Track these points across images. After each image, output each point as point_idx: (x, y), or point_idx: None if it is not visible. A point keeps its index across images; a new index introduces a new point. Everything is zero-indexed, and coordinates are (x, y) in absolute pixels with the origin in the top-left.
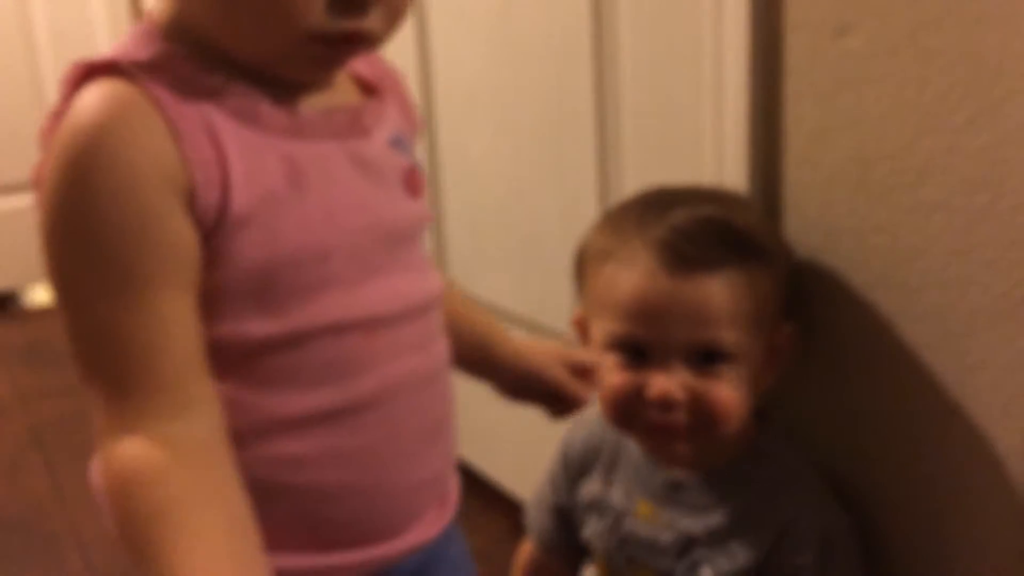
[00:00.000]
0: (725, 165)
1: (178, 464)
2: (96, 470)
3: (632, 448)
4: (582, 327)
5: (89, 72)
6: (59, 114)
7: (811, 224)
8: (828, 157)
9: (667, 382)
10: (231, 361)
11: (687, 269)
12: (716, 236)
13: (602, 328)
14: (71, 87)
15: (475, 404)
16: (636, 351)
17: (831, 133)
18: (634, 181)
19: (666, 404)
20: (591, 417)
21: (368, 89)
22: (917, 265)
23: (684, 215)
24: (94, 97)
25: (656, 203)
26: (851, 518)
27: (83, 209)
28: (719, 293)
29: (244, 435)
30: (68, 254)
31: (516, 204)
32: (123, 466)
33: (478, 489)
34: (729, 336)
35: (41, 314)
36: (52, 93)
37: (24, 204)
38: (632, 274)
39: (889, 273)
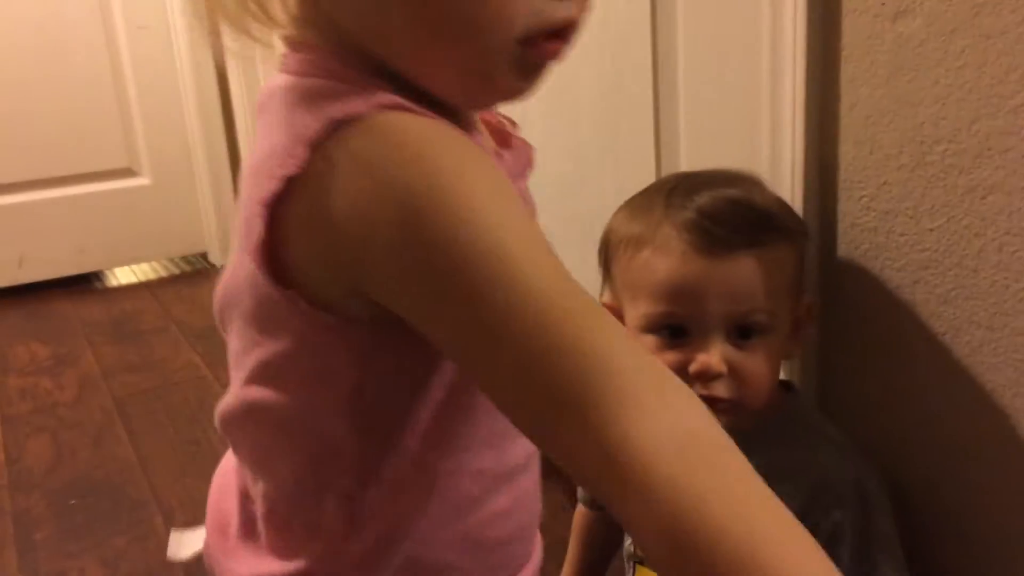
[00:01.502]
0: (782, 147)
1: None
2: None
3: None
4: (612, 313)
5: (338, 124)
6: (297, 177)
7: (867, 206)
8: (884, 139)
9: (709, 356)
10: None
11: (719, 249)
12: (742, 216)
13: (638, 311)
14: (309, 148)
15: None
16: (674, 330)
17: (887, 116)
18: (691, 164)
19: (709, 376)
20: None
21: (497, 135)
22: (973, 245)
23: (709, 198)
24: (399, 119)
25: (679, 188)
26: (881, 474)
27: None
28: (751, 270)
29: (476, 496)
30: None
31: (575, 187)
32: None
33: None
34: (763, 310)
35: (124, 293)
36: (131, 88)
37: (109, 189)
38: (667, 258)
39: (944, 253)
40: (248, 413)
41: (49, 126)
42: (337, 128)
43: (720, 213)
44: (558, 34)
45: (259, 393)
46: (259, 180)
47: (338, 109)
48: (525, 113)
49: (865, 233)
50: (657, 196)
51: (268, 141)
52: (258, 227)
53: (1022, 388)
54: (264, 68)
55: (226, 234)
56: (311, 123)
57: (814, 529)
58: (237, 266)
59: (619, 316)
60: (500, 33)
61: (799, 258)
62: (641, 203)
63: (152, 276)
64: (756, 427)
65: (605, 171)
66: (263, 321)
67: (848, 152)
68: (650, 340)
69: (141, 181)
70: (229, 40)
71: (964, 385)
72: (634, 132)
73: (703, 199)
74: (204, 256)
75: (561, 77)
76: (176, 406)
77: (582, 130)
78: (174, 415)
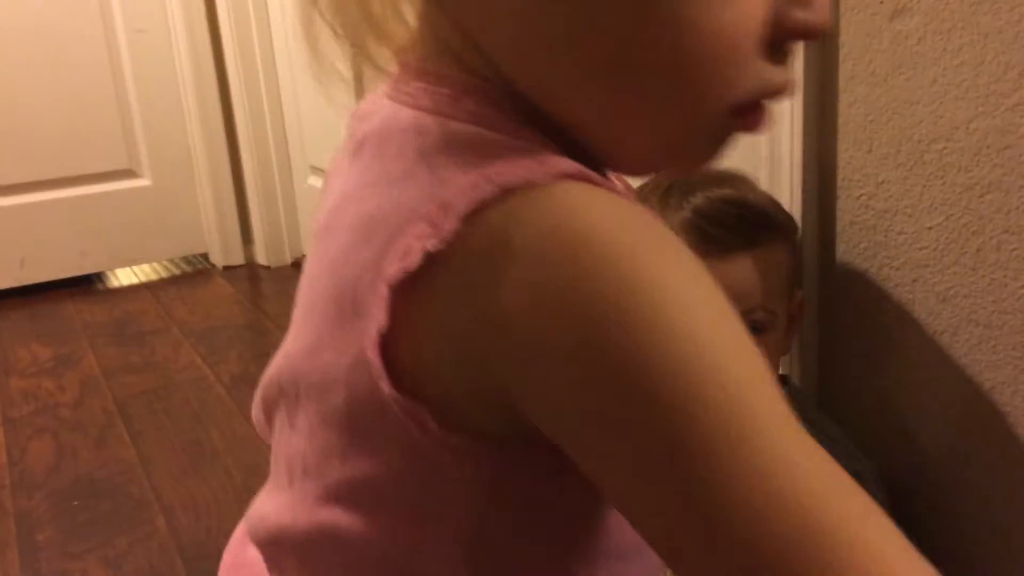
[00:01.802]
0: (780, 146)
1: None
2: None
3: None
4: None
5: (504, 193)
6: (440, 253)
7: (865, 204)
8: (883, 138)
9: None
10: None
11: (717, 250)
12: (738, 216)
13: None
14: (461, 220)
15: None
16: None
17: (886, 114)
18: None
19: None
20: None
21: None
22: (971, 243)
23: (704, 198)
24: (584, 195)
25: (674, 189)
26: (876, 466)
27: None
28: (748, 270)
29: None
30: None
31: None
32: None
33: None
34: (761, 308)
35: (125, 294)
36: (130, 84)
37: (110, 190)
38: None
39: (943, 252)
40: (320, 540)
41: (50, 128)
42: (502, 197)
43: (716, 213)
44: (764, 103)
45: (342, 519)
46: (377, 244)
47: (505, 173)
48: None
49: (864, 231)
50: (651, 197)
51: (390, 193)
52: (379, 312)
53: (1021, 386)
54: (262, 67)
55: (226, 234)
56: (464, 186)
57: None
58: (323, 347)
59: None
60: (718, 100)
61: (793, 255)
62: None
63: (153, 277)
64: None
65: None
66: (360, 430)
67: (847, 151)
68: None
69: (142, 182)
70: (340, 65)
71: (963, 382)
72: None
73: (698, 199)
74: (205, 257)
75: None
76: (177, 407)
77: None
78: (175, 416)
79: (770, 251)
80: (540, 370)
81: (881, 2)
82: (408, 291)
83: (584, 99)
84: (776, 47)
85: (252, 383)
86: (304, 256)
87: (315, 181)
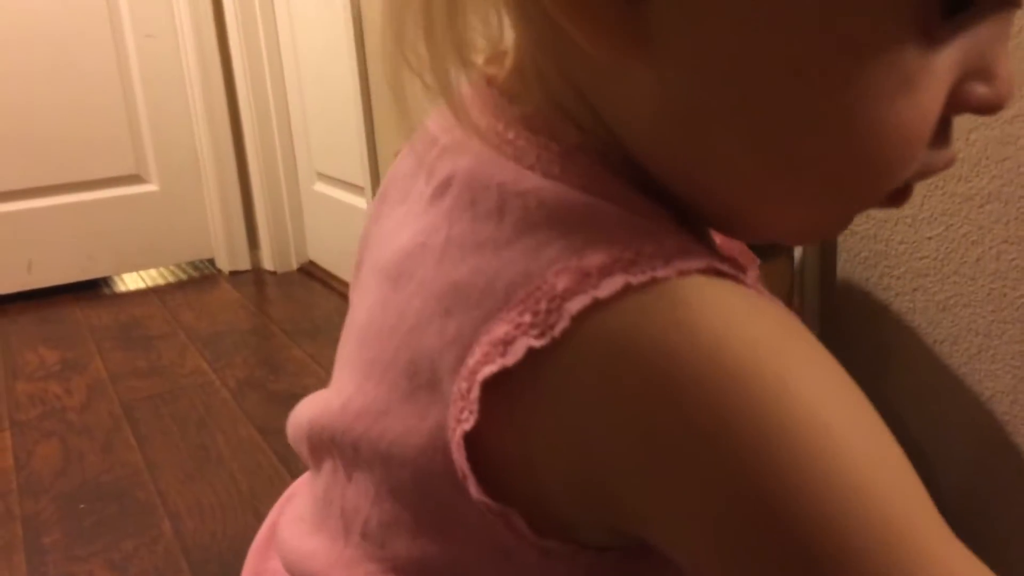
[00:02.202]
0: None
1: None
2: None
3: None
4: None
5: (627, 290)
6: (544, 349)
7: (866, 213)
8: None
9: None
10: None
11: None
12: None
13: None
14: (572, 319)
15: None
16: None
17: None
18: None
19: None
20: None
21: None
22: (971, 253)
23: None
24: (720, 296)
25: None
26: None
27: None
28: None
29: None
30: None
31: None
32: None
33: None
34: None
35: (132, 298)
36: (139, 94)
37: (117, 195)
38: None
39: (943, 261)
40: None
41: (58, 133)
42: (622, 294)
43: None
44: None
45: None
46: (464, 322)
47: (626, 265)
48: None
49: (864, 241)
50: None
51: (483, 262)
52: (465, 410)
53: (1020, 395)
54: (269, 73)
55: (233, 239)
56: (576, 275)
57: None
58: (390, 414)
59: None
60: (881, 191)
61: (788, 266)
62: None
63: (160, 282)
64: None
65: None
66: (431, 514)
67: None
68: None
69: (149, 188)
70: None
71: (962, 392)
72: None
73: None
74: (211, 262)
75: None
76: (183, 411)
77: None
78: (181, 420)
79: (773, 266)
80: (673, 500)
81: None
82: (502, 386)
83: (732, 179)
84: (945, 125)
85: (257, 387)
86: (309, 261)
87: (321, 187)
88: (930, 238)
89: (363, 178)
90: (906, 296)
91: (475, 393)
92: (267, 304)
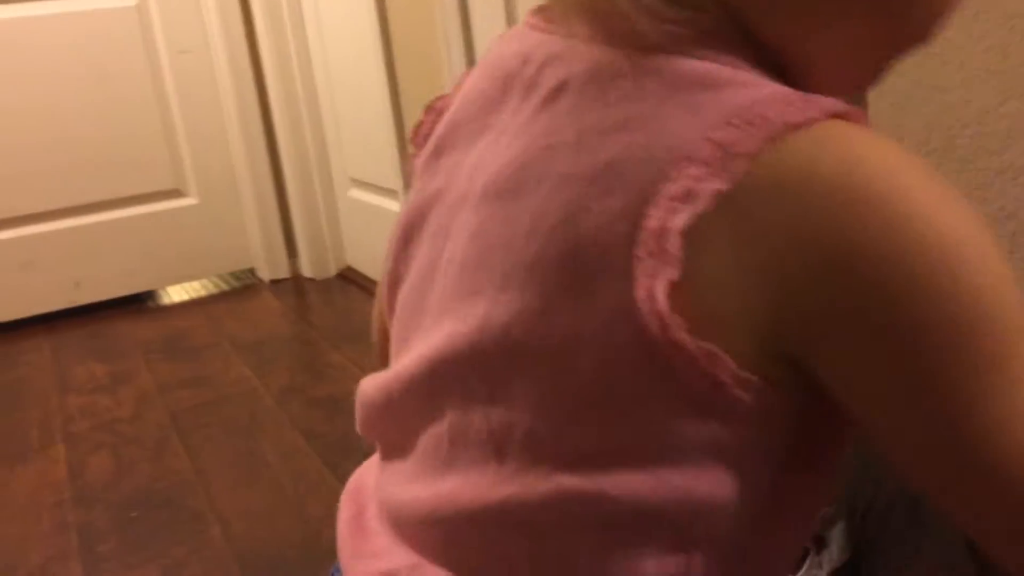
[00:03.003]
0: None
1: None
2: None
3: None
4: None
5: (786, 129)
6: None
7: None
8: (912, 125)
9: None
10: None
11: None
12: None
13: None
14: (749, 159)
15: None
16: None
17: (914, 101)
18: None
19: None
20: None
21: None
22: (1007, 227)
23: None
24: (862, 135)
25: None
26: None
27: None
28: None
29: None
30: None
31: None
32: None
33: None
34: None
35: (176, 311)
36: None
37: (158, 210)
38: None
39: None
40: (562, 505)
41: (97, 151)
42: (783, 135)
43: None
44: None
45: (602, 482)
46: (629, 193)
47: (781, 110)
48: None
49: None
50: None
51: (634, 137)
52: (669, 259)
53: None
54: (301, 84)
55: (272, 249)
56: (739, 124)
57: (871, 500)
58: (553, 311)
59: None
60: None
61: None
62: None
63: (203, 293)
64: None
65: None
66: (617, 392)
67: None
68: None
69: (188, 201)
70: None
71: None
72: None
73: None
74: (252, 272)
75: None
76: (229, 419)
77: None
78: (228, 428)
79: None
80: (835, 321)
81: None
82: (692, 236)
83: (832, 34)
84: None
85: (300, 393)
86: (347, 267)
87: (356, 193)
88: None
89: (396, 182)
90: None
91: (672, 243)
92: (307, 311)
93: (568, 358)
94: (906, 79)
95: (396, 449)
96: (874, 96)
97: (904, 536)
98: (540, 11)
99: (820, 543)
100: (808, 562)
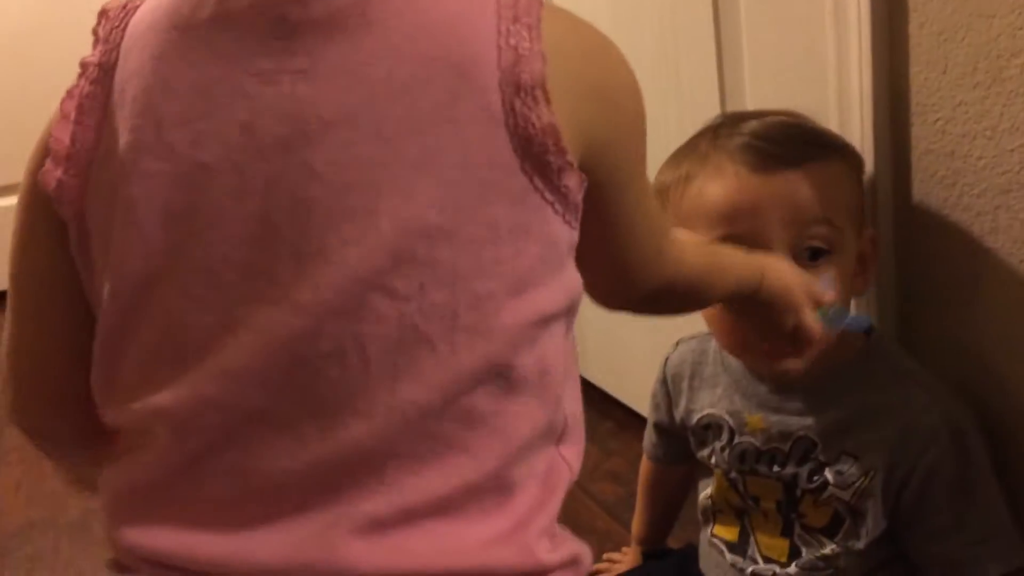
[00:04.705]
0: (849, 72)
1: None
2: None
3: (733, 364)
4: None
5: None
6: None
7: (942, 129)
8: (958, 57)
9: None
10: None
11: (773, 166)
12: (792, 135)
13: None
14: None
15: (605, 329)
16: None
17: (960, 31)
18: (755, 96)
19: None
20: (691, 337)
21: None
22: None
23: (757, 123)
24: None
25: (725, 124)
26: (976, 414)
27: None
28: (807, 186)
29: None
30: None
31: None
32: None
33: (612, 412)
34: (825, 228)
35: None
36: None
37: None
38: (720, 181)
39: None
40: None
41: None
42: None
43: (770, 134)
44: None
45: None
46: (482, 60)
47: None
48: None
49: (941, 159)
50: (701, 136)
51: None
52: (540, 108)
53: None
54: None
55: None
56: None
57: (910, 471)
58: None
59: None
60: None
61: (856, 182)
62: (688, 146)
63: None
64: (839, 371)
65: (668, 107)
66: (519, 220)
67: (920, 73)
68: None
69: None
70: None
71: None
72: (696, 65)
73: (751, 125)
74: None
75: (620, 16)
76: None
77: (643, 66)
78: None
79: (829, 168)
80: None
81: None
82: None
83: None
84: None
85: None
86: None
87: None
88: (1012, 151)
89: None
90: (988, 215)
91: (539, 97)
92: None
93: (476, 209)
94: (951, 7)
95: None
96: (916, 28)
97: (942, 506)
98: None
99: (856, 514)
100: (843, 532)
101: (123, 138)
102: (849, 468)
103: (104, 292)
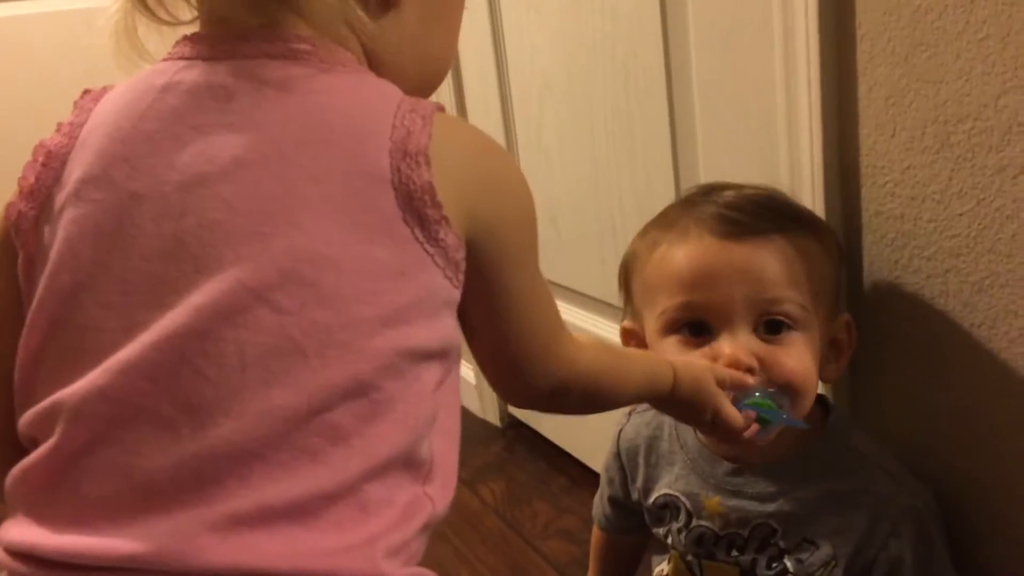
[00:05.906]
0: (799, 134)
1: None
2: None
3: (690, 441)
4: (630, 336)
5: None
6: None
7: (891, 192)
8: (906, 121)
9: (735, 347)
10: None
11: (738, 235)
12: (763, 207)
13: (656, 311)
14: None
15: None
16: (696, 327)
17: (908, 96)
18: (708, 157)
19: (738, 370)
20: (646, 409)
21: None
22: (1006, 229)
23: (731, 194)
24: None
25: (700, 192)
26: (930, 491)
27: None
28: (773, 257)
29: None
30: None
31: (592, 190)
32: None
33: (566, 468)
34: (790, 301)
35: None
36: None
37: None
38: (684, 246)
39: (976, 239)
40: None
41: None
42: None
43: (741, 204)
44: None
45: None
46: (380, 138)
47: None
48: (541, 117)
49: (891, 221)
50: (675, 204)
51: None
52: (421, 170)
53: None
54: None
55: None
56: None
57: (872, 560)
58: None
59: (639, 338)
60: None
61: (830, 263)
62: (657, 217)
63: None
64: (799, 452)
65: (622, 173)
66: (401, 265)
67: (869, 136)
68: (671, 341)
69: None
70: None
71: (1004, 378)
72: (649, 131)
73: (725, 195)
74: None
75: (575, 82)
76: None
77: (597, 135)
78: None
79: (798, 241)
80: (497, 208)
81: None
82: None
83: (438, 54)
84: None
85: None
86: None
87: None
88: (961, 215)
89: None
90: (938, 278)
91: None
92: None
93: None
94: (899, 72)
95: None
96: (864, 92)
97: None
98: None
99: None
100: None
101: (75, 174)
102: (810, 557)
103: (33, 305)
